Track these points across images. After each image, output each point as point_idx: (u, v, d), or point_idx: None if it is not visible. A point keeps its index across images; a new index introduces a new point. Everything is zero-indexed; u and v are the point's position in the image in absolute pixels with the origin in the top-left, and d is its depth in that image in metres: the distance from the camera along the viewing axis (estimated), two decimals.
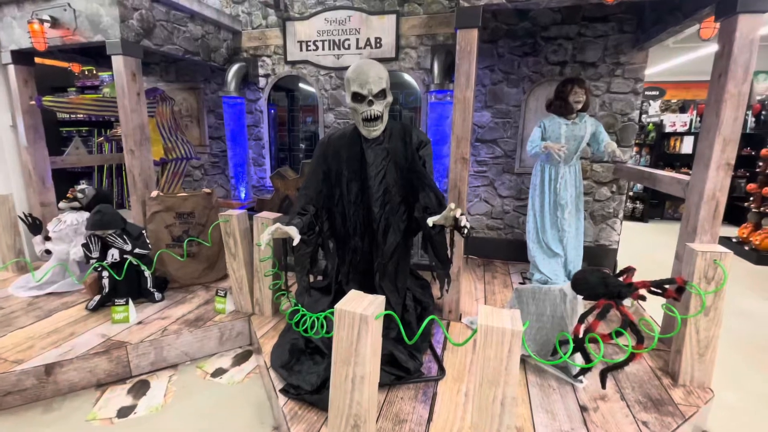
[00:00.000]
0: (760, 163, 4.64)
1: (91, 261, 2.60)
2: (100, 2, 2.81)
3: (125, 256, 2.62)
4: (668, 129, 6.04)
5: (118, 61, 2.85)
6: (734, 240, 4.78)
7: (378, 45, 3.56)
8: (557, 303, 1.90)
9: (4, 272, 3.29)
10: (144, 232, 2.78)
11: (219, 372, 2.35)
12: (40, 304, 2.77)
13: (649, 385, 1.93)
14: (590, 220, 3.45)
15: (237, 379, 2.27)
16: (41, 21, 2.93)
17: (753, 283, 3.82)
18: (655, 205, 6.43)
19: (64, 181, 5.31)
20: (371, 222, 2.03)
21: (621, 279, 1.75)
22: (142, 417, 1.97)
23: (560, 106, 2.72)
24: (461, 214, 1.54)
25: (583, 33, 3.11)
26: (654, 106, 9.15)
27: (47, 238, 3.02)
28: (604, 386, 1.69)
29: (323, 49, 3.74)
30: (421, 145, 1.98)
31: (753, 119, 5.76)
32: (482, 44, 3.33)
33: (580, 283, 1.76)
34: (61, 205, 3.11)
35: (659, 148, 6.14)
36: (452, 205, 1.55)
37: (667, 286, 1.72)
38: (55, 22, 2.98)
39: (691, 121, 5.95)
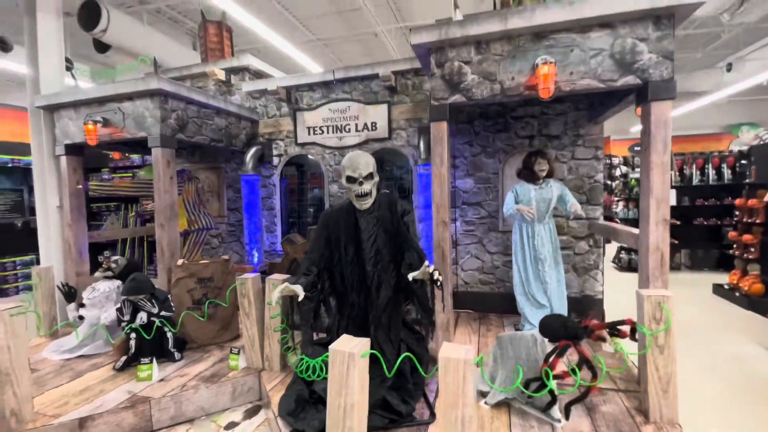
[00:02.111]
0: (737, 213, 4.95)
1: (122, 324, 2.94)
2: (145, 106, 3.47)
3: (152, 318, 2.95)
4: None
5: (156, 152, 3.43)
6: (726, 287, 4.93)
7: (374, 128, 4.17)
8: (530, 347, 2.16)
9: (37, 338, 3.62)
10: (169, 296, 3.14)
11: (231, 425, 2.55)
12: (71, 365, 3.06)
13: (623, 423, 2.10)
14: (574, 273, 3.72)
15: (248, 431, 2.47)
16: (95, 122, 3.58)
17: (743, 328, 3.94)
18: None
19: (89, 252, 5.81)
20: (366, 279, 2.37)
21: (581, 323, 2.03)
22: None
23: (528, 175, 3.17)
24: (434, 270, 1.90)
25: (546, 112, 3.67)
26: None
27: (81, 305, 3.39)
28: (567, 417, 1.89)
29: (328, 132, 4.36)
30: (405, 213, 2.40)
31: (729, 171, 6.19)
32: (461, 124, 3.90)
33: (544, 327, 2.04)
34: (97, 274, 3.52)
35: None
36: (426, 263, 1.90)
37: (620, 328, 1.99)
38: (106, 122, 3.64)
39: (671, 175, 6.38)
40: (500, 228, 3.85)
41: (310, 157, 4.59)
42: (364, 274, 2.38)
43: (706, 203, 6.30)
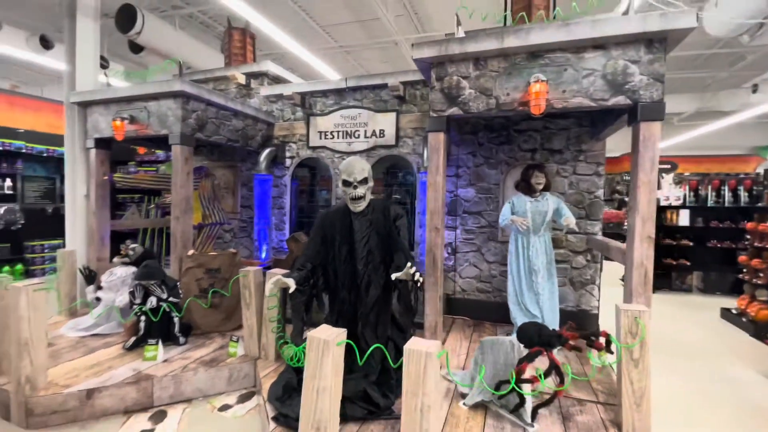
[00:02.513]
0: (748, 236, 4.86)
1: (134, 306, 3.16)
2: (168, 106, 3.73)
3: (161, 303, 3.16)
4: (663, 203, 6.38)
5: (176, 149, 3.67)
6: (734, 311, 4.83)
7: (382, 135, 4.32)
8: (508, 351, 2.24)
9: (57, 316, 3.90)
10: (178, 283, 3.35)
11: (225, 407, 2.72)
12: (85, 342, 3.30)
13: None
14: (570, 287, 3.75)
15: (239, 414, 2.64)
16: (122, 119, 3.86)
17: (744, 354, 3.87)
18: (660, 276, 6.52)
19: (114, 240, 6.15)
20: (357, 278, 2.51)
21: (557, 331, 2.11)
22: None
23: (525, 187, 3.25)
24: (415, 271, 2.02)
25: (548, 126, 3.74)
26: (667, 179, 9.51)
27: (99, 288, 3.65)
28: (534, 419, 1.96)
29: (338, 138, 4.54)
30: (397, 217, 2.52)
31: (746, 194, 6.06)
32: (465, 135, 4.01)
33: (521, 334, 2.12)
34: (115, 260, 3.78)
35: (658, 220, 6.41)
36: (409, 264, 2.03)
37: (594, 339, 2.05)
38: (132, 119, 3.91)
39: (685, 196, 6.28)
40: (499, 238, 3.93)
41: (321, 160, 4.78)
42: (355, 272, 2.51)
43: (721, 225, 6.16)
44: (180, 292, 3.32)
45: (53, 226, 6.70)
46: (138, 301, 3.16)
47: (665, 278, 6.57)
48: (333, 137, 4.56)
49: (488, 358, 2.36)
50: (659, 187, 11.21)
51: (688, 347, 4.11)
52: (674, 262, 6.42)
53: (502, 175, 3.89)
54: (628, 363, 2.09)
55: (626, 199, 7.59)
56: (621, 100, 2.36)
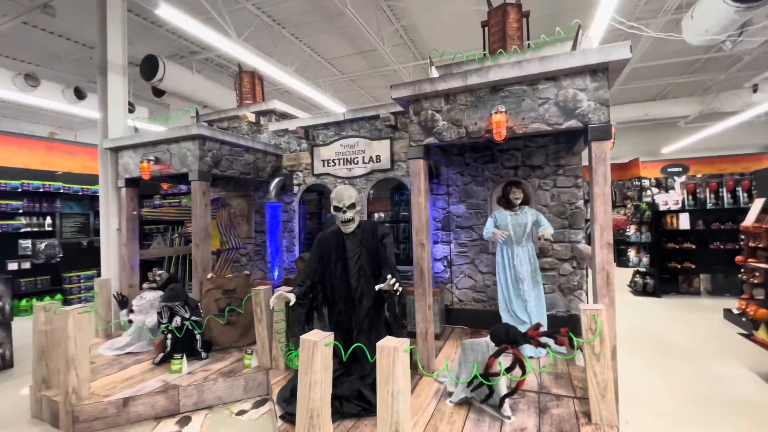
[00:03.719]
0: (743, 236, 4.96)
1: (161, 325, 3.58)
2: (187, 147, 4.23)
3: (185, 321, 3.57)
4: (662, 207, 6.50)
5: (195, 185, 4.16)
6: (735, 311, 4.90)
7: (378, 160, 4.72)
8: (484, 351, 2.51)
9: (95, 339, 4.36)
10: (199, 304, 3.77)
11: (242, 412, 3.06)
12: (120, 360, 3.73)
13: (567, 423, 2.39)
14: (559, 293, 3.98)
15: (254, 418, 2.97)
16: (149, 160, 4.39)
17: (740, 352, 3.96)
18: (666, 280, 6.58)
19: (142, 267, 6.69)
20: (350, 291, 2.85)
21: (525, 331, 2.38)
22: None
23: (504, 202, 3.56)
24: (395, 282, 2.35)
25: (528, 145, 4.05)
26: (679, 182, 9.52)
27: (131, 311, 4.10)
28: (500, 407, 2.22)
29: (339, 165, 4.96)
30: (384, 236, 2.88)
31: (745, 194, 6.14)
32: (454, 156, 4.36)
33: (492, 334, 2.41)
34: (144, 285, 4.25)
35: (657, 225, 6.54)
36: (389, 276, 2.37)
37: (556, 335, 2.32)
38: (157, 161, 4.44)
39: (683, 199, 6.40)
40: (490, 250, 4.20)
41: (325, 186, 5.21)
42: (349, 286, 2.86)
43: (722, 227, 6.23)
44: (201, 311, 3.73)
45: (88, 257, 7.34)
46: (165, 320, 3.58)
47: (672, 282, 6.61)
48: (335, 164, 4.99)
49: (469, 358, 2.64)
50: (667, 190, 11.18)
51: (684, 347, 4.22)
52: (679, 266, 6.48)
53: (489, 191, 4.20)
54: (591, 357, 2.34)
55: (636, 204, 7.69)
56: (573, 123, 2.67)
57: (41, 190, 6.81)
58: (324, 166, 5.07)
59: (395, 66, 8.87)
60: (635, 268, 6.85)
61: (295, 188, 5.29)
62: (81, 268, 7.32)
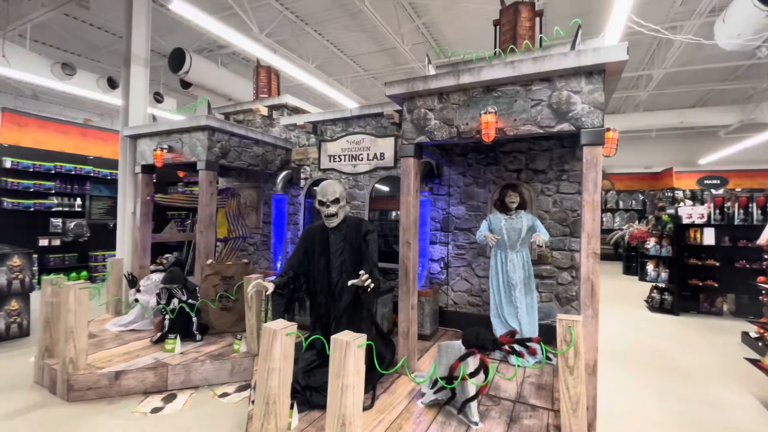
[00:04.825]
0: (765, 256, 4.62)
1: (160, 306, 3.75)
2: (198, 138, 4.40)
3: (182, 304, 3.72)
4: (685, 221, 6.14)
5: (202, 174, 4.31)
6: (753, 335, 4.59)
7: (382, 158, 4.73)
8: (457, 354, 2.48)
9: (105, 315, 4.62)
10: (197, 288, 3.91)
11: (224, 395, 3.16)
12: (123, 336, 3.93)
13: None
14: (556, 302, 3.85)
15: (234, 401, 3.06)
16: (162, 149, 4.59)
17: (748, 378, 3.70)
18: (686, 298, 6.22)
19: (161, 251, 7.02)
20: (331, 285, 2.88)
21: (494, 336, 2.33)
22: (165, 415, 2.84)
23: (500, 206, 3.48)
24: (367, 279, 2.36)
25: (532, 148, 3.94)
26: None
27: (138, 291, 4.31)
28: (460, 412, 2.19)
29: (345, 161, 5.01)
30: (368, 233, 2.89)
31: (759, 211, 5.73)
32: (457, 156, 4.30)
33: (463, 337, 2.37)
34: (152, 267, 4.45)
35: (679, 239, 6.18)
36: (362, 272, 2.38)
37: (528, 344, 2.25)
38: (170, 149, 4.64)
39: (709, 213, 6.02)
40: (487, 253, 4.12)
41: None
42: (330, 281, 2.89)
43: (749, 245, 5.81)
44: (199, 295, 3.88)
45: (113, 238, 7.73)
46: (163, 302, 3.75)
47: (692, 300, 6.24)
48: (340, 160, 5.04)
49: (443, 360, 2.61)
50: (703, 203, 10.57)
51: (690, 369, 3.99)
52: (701, 283, 6.11)
53: (490, 194, 4.12)
54: (564, 370, 2.26)
55: (658, 216, 7.31)
56: (566, 126, 2.58)
57: (73, 172, 7.25)
58: (330, 161, 5.12)
59: (416, 64, 8.82)
60: (653, 283, 6.51)
61: (302, 182, 5.38)
62: (106, 248, 7.75)
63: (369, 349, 2.98)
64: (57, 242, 7.14)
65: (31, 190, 6.79)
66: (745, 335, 4.71)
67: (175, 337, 3.55)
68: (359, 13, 7.26)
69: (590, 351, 2.46)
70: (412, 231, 3.11)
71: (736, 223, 5.92)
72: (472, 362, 2.25)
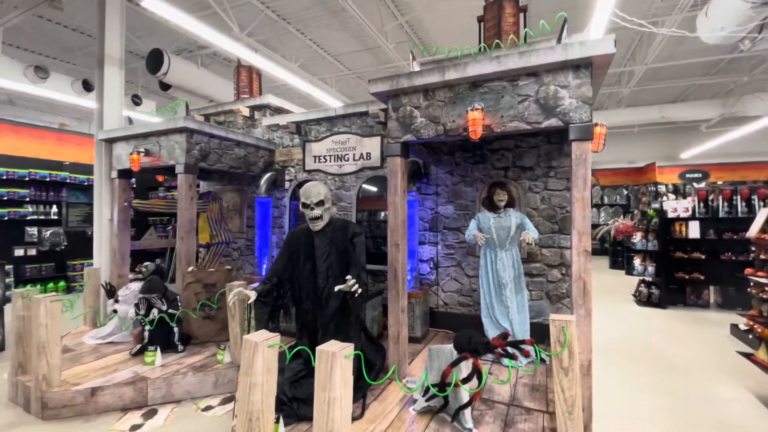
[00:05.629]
0: (753, 248, 4.67)
1: (138, 317, 3.59)
2: (175, 140, 4.23)
3: (161, 314, 3.57)
4: (670, 215, 6.19)
5: (180, 177, 4.15)
6: (742, 327, 4.63)
7: (368, 157, 4.63)
8: (449, 358, 2.40)
9: (82, 327, 4.42)
10: (178, 297, 3.76)
11: (208, 408, 3.03)
12: (100, 349, 3.76)
13: None
14: (547, 300, 3.81)
15: (219, 414, 2.93)
16: (138, 152, 4.41)
17: (740, 371, 3.72)
18: (673, 291, 6.28)
19: (144, 258, 6.80)
20: (318, 290, 2.78)
21: (486, 339, 2.26)
22: None
23: (488, 204, 3.42)
24: (354, 284, 2.27)
25: (519, 145, 3.89)
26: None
27: (116, 301, 4.13)
28: (453, 420, 2.11)
29: (330, 161, 4.90)
30: (355, 236, 2.79)
31: (761, 203, 5.80)
32: (444, 155, 4.23)
33: (455, 341, 2.29)
34: (130, 276, 4.28)
35: (665, 233, 6.24)
36: (349, 277, 2.28)
37: (522, 346, 2.19)
38: (147, 153, 4.46)
39: (694, 207, 6.08)
40: (477, 252, 4.06)
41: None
42: (316, 286, 2.78)
43: (735, 237, 5.89)
44: (180, 305, 3.72)
45: (91, 246, 7.48)
46: (142, 312, 3.59)
47: (679, 293, 6.31)
48: (326, 161, 4.92)
49: (434, 365, 2.53)
50: (685, 197, 10.74)
51: (681, 364, 3.99)
52: (687, 276, 6.17)
53: (478, 193, 4.06)
54: (558, 371, 2.19)
55: (644, 210, 7.37)
56: (554, 122, 2.52)
57: (48, 179, 6.97)
58: (315, 162, 5.01)
59: (400, 63, 8.75)
60: (640, 277, 6.56)
61: (287, 184, 5.25)
62: (85, 257, 7.47)
63: (358, 356, 2.89)
64: (33, 252, 6.85)
65: (5, 198, 6.50)
66: (734, 327, 4.75)
67: (155, 349, 3.40)
68: (341, 11, 7.15)
69: (584, 351, 2.41)
70: (401, 232, 3.03)
71: (720, 215, 5.99)
72: (465, 367, 2.17)
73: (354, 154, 4.73)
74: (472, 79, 2.69)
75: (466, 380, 2.07)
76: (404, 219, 3.09)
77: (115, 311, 4.09)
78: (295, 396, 2.50)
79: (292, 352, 2.15)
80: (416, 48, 8.48)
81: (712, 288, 6.25)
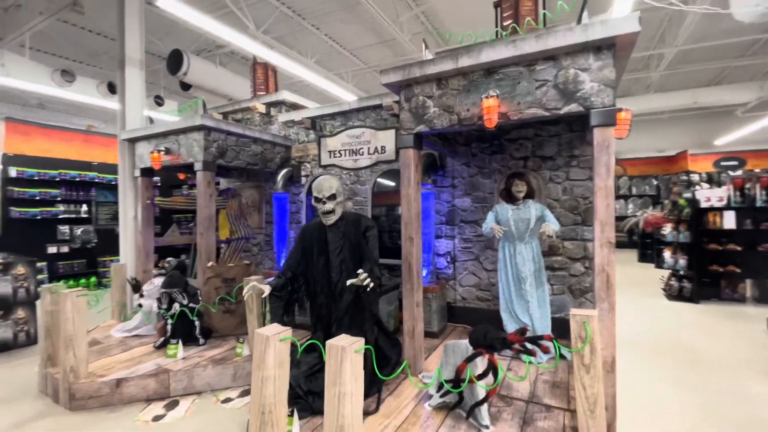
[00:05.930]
0: None
1: (161, 311, 3.68)
2: (194, 138, 4.30)
3: (182, 308, 3.65)
4: (703, 204, 5.87)
5: (199, 175, 4.22)
6: None
7: (383, 151, 4.58)
8: (464, 353, 2.34)
9: (110, 321, 4.58)
10: (199, 291, 3.84)
11: (227, 400, 3.08)
12: (126, 341, 3.88)
13: None
14: (570, 294, 3.68)
15: (237, 407, 2.98)
16: (159, 151, 4.51)
17: None
18: (706, 285, 5.97)
19: (170, 254, 7.02)
20: (331, 285, 2.76)
21: (503, 335, 2.19)
22: (167, 423, 2.76)
23: (506, 195, 3.31)
24: (366, 278, 2.24)
25: (539, 134, 3.75)
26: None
27: (141, 296, 4.26)
28: (468, 417, 2.05)
29: (345, 156, 4.87)
30: (368, 229, 2.75)
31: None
32: (460, 146, 4.13)
33: (471, 336, 2.23)
34: (154, 271, 4.40)
35: (697, 224, 5.92)
36: (360, 271, 2.25)
37: (541, 342, 2.11)
38: (168, 151, 4.55)
39: (729, 196, 5.74)
40: (495, 246, 3.95)
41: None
42: (330, 280, 2.77)
43: None
44: (200, 299, 3.80)
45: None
46: (164, 306, 3.68)
47: (713, 287, 5.98)
48: (341, 155, 4.91)
49: (450, 360, 2.48)
50: (720, 186, 10.20)
51: (713, 360, 3.79)
52: (721, 269, 5.85)
53: (496, 184, 3.95)
54: (580, 368, 2.10)
55: (674, 200, 7.02)
56: (574, 107, 2.40)
57: (77, 179, 7.26)
58: (330, 157, 5.00)
59: (416, 54, 8.61)
60: (670, 270, 6.27)
61: (303, 179, 5.26)
62: (114, 253, 7.73)
63: (372, 351, 2.87)
64: (65, 249, 7.17)
65: (38, 198, 6.81)
66: None
67: (177, 342, 3.48)
68: (356, 4, 7.09)
69: (608, 347, 2.30)
70: (415, 225, 2.97)
71: (758, 205, 5.64)
72: (480, 363, 2.11)
73: (369, 148, 4.69)
74: (486, 66, 2.60)
75: (481, 376, 2.01)
76: (418, 212, 3.03)
77: (140, 305, 4.22)
78: (311, 389, 2.50)
79: (303, 346, 2.15)
80: (430, 37, 8.33)
81: (748, 281, 5.90)
